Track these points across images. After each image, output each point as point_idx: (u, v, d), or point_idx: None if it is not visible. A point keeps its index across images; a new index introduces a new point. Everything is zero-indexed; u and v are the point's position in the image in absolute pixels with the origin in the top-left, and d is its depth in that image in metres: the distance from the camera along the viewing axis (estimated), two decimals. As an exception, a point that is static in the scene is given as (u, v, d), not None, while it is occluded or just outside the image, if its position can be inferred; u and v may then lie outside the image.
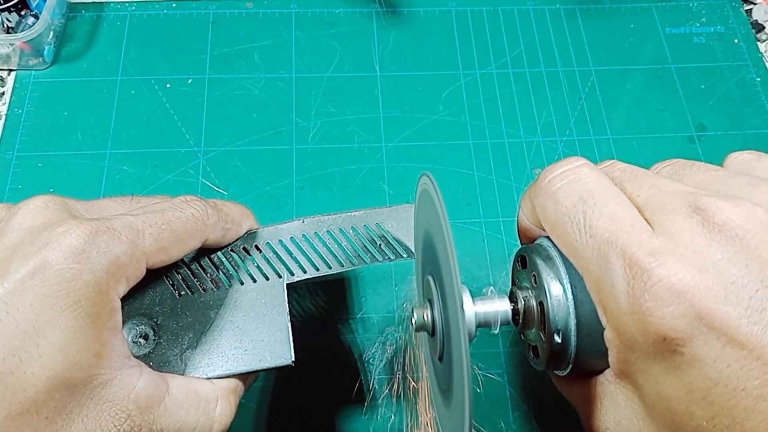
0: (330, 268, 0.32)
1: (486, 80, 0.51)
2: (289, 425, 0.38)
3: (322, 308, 0.41)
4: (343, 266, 0.32)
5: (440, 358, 0.29)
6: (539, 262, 0.27)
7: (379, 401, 0.38)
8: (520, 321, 0.28)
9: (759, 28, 0.54)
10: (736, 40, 0.54)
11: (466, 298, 0.27)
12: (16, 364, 0.23)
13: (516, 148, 0.48)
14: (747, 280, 0.21)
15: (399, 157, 0.47)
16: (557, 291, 0.26)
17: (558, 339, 0.26)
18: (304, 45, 0.52)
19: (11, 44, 0.47)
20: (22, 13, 0.50)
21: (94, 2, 0.54)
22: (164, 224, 0.27)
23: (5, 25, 0.49)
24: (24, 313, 0.23)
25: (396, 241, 0.33)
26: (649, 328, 0.21)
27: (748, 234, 0.21)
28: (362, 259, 0.32)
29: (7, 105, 0.48)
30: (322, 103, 0.50)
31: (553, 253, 0.27)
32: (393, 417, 0.38)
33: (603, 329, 0.24)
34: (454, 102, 0.50)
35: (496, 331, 0.29)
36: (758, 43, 0.54)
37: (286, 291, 0.31)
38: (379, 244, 0.32)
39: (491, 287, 0.30)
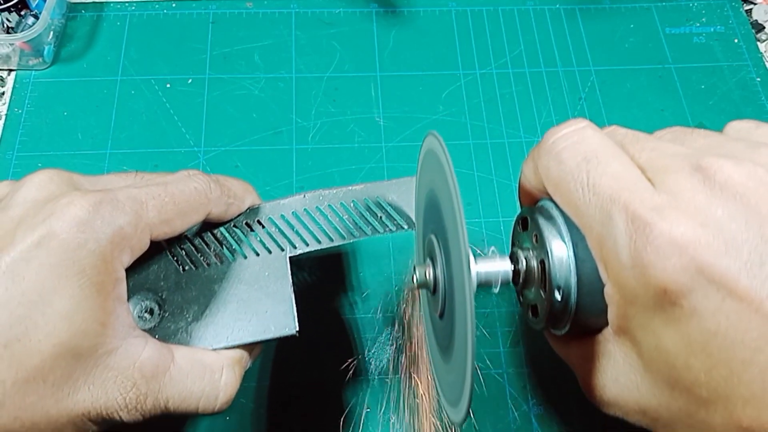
0: (332, 240, 0.32)
1: (486, 80, 0.51)
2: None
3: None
4: (344, 238, 0.32)
5: (441, 316, 0.29)
6: (542, 221, 0.27)
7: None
8: (521, 281, 0.29)
9: (759, 28, 0.54)
10: (736, 40, 0.54)
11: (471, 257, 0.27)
12: (22, 331, 0.23)
13: (516, 148, 0.48)
14: (747, 236, 0.21)
15: (399, 157, 0.47)
16: (559, 248, 0.26)
17: (558, 296, 0.26)
18: (304, 45, 0.52)
19: (11, 44, 0.47)
20: (22, 13, 0.50)
21: (94, 2, 0.54)
22: (167, 197, 0.28)
23: (5, 25, 0.49)
24: (30, 282, 0.24)
25: (397, 212, 0.33)
26: (650, 281, 0.21)
27: (748, 191, 0.22)
28: (363, 230, 0.32)
29: (7, 105, 0.48)
30: (322, 103, 0.50)
31: (555, 213, 0.27)
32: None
33: (603, 286, 0.24)
34: (454, 102, 0.50)
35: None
36: (758, 43, 0.54)
37: (288, 263, 0.31)
38: (380, 216, 0.33)
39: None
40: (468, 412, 0.26)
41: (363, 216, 0.33)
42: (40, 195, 0.26)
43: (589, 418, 0.38)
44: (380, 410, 0.38)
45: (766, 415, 0.21)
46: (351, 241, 0.32)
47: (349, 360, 0.39)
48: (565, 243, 0.26)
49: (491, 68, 0.52)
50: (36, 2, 0.50)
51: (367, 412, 0.38)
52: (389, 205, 0.33)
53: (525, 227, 0.29)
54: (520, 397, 0.39)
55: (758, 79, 0.51)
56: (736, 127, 0.27)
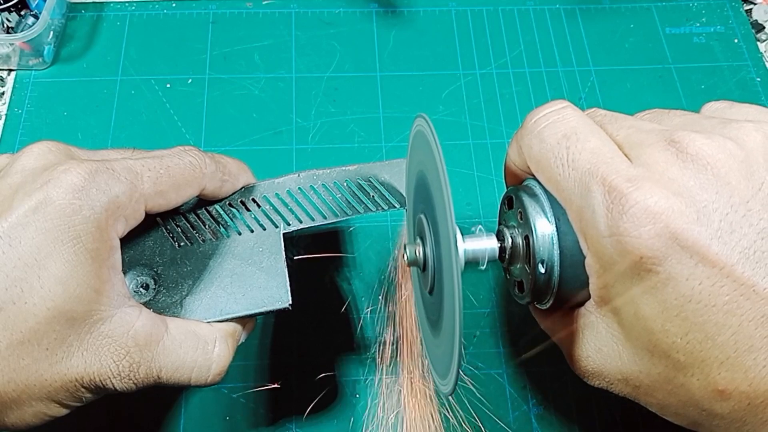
0: (325, 217, 0.33)
1: (486, 80, 0.51)
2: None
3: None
4: (337, 216, 0.33)
5: (430, 292, 0.30)
6: (525, 198, 0.28)
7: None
8: (507, 257, 0.30)
9: (759, 28, 0.54)
10: (736, 40, 0.54)
11: (458, 235, 0.28)
12: (18, 294, 0.24)
13: (516, 148, 0.48)
14: (717, 205, 0.22)
15: (399, 156, 0.47)
16: (542, 223, 0.27)
17: (542, 269, 0.27)
18: (304, 45, 0.52)
19: (11, 44, 0.47)
20: (22, 13, 0.50)
21: (94, 2, 0.54)
22: (162, 169, 0.28)
23: (5, 25, 0.49)
24: (26, 246, 0.24)
25: (389, 192, 0.34)
26: (626, 248, 0.22)
27: (718, 163, 0.23)
28: (356, 209, 0.33)
29: (7, 105, 0.48)
30: (322, 103, 0.50)
31: (538, 190, 0.28)
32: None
33: (584, 258, 0.25)
34: (454, 102, 0.50)
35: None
36: (758, 43, 0.54)
37: (282, 239, 0.32)
38: (372, 195, 0.33)
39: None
40: (456, 383, 0.27)
41: (356, 195, 0.33)
42: (39, 164, 0.27)
43: (589, 418, 0.38)
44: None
45: (740, 378, 0.22)
46: (344, 218, 0.33)
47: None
48: (547, 218, 0.27)
49: (491, 68, 0.52)
50: (36, 2, 0.50)
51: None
52: (381, 184, 0.34)
53: (510, 206, 0.30)
54: (520, 397, 0.39)
55: (758, 79, 0.51)
56: (711, 107, 0.28)
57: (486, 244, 0.30)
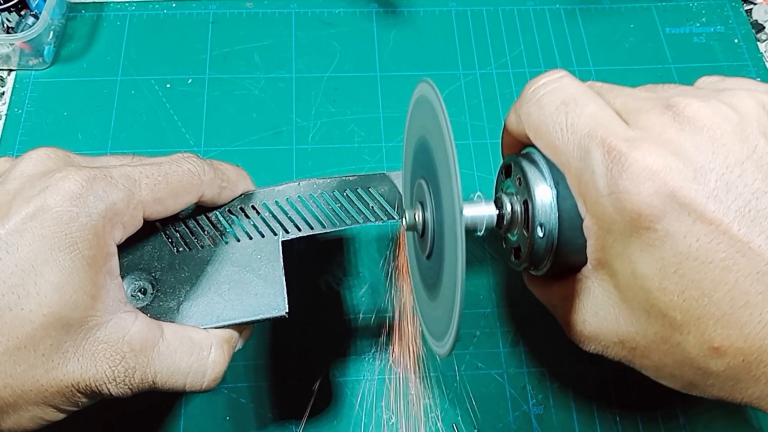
0: (324, 226, 0.33)
1: (486, 80, 0.51)
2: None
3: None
4: (336, 225, 0.33)
5: (428, 256, 0.31)
6: (525, 164, 0.29)
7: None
8: (505, 224, 0.30)
9: (759, 28, 0.54)
10: (736, 40, 0.54)
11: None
12: (14, 300, 0.24)
13: (516, 148, 0.48)
14: (713, 165, 0.23)
15: (399, 156, 0.47)
16: (541, 187, 0.28)
17: (540, 233, 0.28)
18: (304, 45, 0.52)
19: (11, 44, 0.47)
20: (22, 13, 0.50)
21: (94, 2, 0.54)
22: (161, 176, 0.28)
23: (5, 25, 0.49)
24: (23, 253, 0.24)
25: (388, 203, 0.34)
26: (625, 206, 0.23)
27: (714, 125, 0.23)
28: (355, 219, 0.33)
29: (7, 105, 0.48)
30: (322, 103, 0.50)
31: (537, 157, 0.29)
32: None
33: (582, 221, 0.26)
34: (454, 102, 0.50)
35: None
36: (758, 43, 0.54)
37: (281, 247, 0.32)
38: (371, 206, 0.34)
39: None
40: (454, 344, 0.27)
41: (355, 205, 0.34)
42: (37, 170, 0.27)
43: (589, 418, 0.38)
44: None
45: (735, 334, 0.23)
46: (342, 228, 0.33)
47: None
48: (546, 182, 0.28)
49: (491, 68, 0.52)
50: (36, 2, 0.50)
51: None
52: (380, 195, 0.34)
53: (508, 174, 0.31)
54: (520, 397, 0.39)
55: (758, 79, 0.51)
56: (704, 80, 0.29)
57: (485, 211, 0.30)
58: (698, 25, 0.54)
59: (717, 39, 0.54)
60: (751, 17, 0.55)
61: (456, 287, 0.26)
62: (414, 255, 0.35)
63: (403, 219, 0.31)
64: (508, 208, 0.30)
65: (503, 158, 0.32)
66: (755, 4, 0.56)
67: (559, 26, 0.54)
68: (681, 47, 0.53)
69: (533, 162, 0.29)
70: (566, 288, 0.29)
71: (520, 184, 0.29)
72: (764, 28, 0.54)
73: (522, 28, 0.54)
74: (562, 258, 0.28)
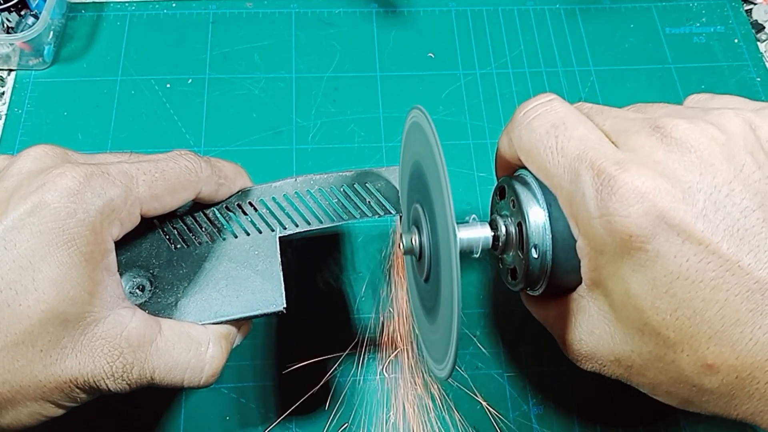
0: (321, 222, 0.33)
1: (486, 80, 0.51)
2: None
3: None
4: (333, 221, 0.33)
5: (426, 280, 0.31)
6: (518, 186, 0.29)
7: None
8: (500, 245, 0.30)
9: (759, 28, 0.54)
10: (736, 40, 0.54)
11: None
12: (12, 296, 0.24)
13: (516, 148, 0.48)
14: (702, 185, 0.23)
15: (398, 157, 0.47)
16: (534, 210, 0.28)
17: (535, 254, 0.28)
18: (304, 45, 0.52)
19: (11, 44, 0.47)
20: (22, 13, 0.50)
21: (94, 2, 0.54)
22: (158, 173, 0.28)
23: (5, 25, 0.49)
24: (21, 249, 0.24)
25: (384, 198, 0.34)
26: (616, 227, 0.23)
27: (701, 146, 0.24)
28: (352, 214, 0.33)
29: (7, 105, 0.48)
30: (322, 103, 0.50)
31: (529, 179, 0.29)
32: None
33: (575, 242, 0.26)
34: (454, 102, 0.50)
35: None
36: (758, 43, 0.54)
37: (278, 243, 0.32)
38: (368, 201, 0.34)
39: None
40: (453, 368, 0.27)
41: (352, 200, 0.34)
42: (35, 167, 0.27)
43: (589, 418, 0.38)
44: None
45: (727, 351, 0.23)
46: (340, 223, 0.33)
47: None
48: (539, 205, 0.28)
49: (491, 68, 0.52)
50: (36, 2, 0.50)
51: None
52: (377, 191, 0.34)
53: (502, 196, 0.31)
54: (520, 397, 0.39)
55: (758, 79, 0.51)
56: (693, 99, 0.29)
57: (480, 233, 0.30)
58: (698, 25, 0.54)
59: (717, 39, 0.54)
60: (751, 17, 0.55)
61: (453, 310, 0.26)
62: (413, 278, 0.35)
63: (401, 243, 0.32)
64: (503, 230, 0.30)
65: (497, 180, 0.32)
66: (755, 4, 0.56)
67: (559, 26, 0.54)
68: (681, 47, 0.53)
69: (526, 184, 0.29)
70: (562, 307, 0.29)
71: (513, 206, 0.29)
72: (764, 28, 0.54)
73: (522, 28, 0.54)
74: (557, 278, 0.28)
